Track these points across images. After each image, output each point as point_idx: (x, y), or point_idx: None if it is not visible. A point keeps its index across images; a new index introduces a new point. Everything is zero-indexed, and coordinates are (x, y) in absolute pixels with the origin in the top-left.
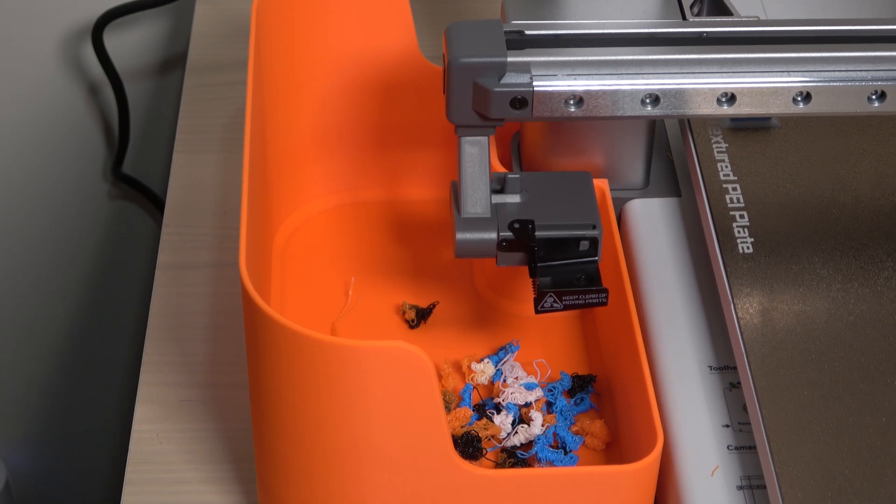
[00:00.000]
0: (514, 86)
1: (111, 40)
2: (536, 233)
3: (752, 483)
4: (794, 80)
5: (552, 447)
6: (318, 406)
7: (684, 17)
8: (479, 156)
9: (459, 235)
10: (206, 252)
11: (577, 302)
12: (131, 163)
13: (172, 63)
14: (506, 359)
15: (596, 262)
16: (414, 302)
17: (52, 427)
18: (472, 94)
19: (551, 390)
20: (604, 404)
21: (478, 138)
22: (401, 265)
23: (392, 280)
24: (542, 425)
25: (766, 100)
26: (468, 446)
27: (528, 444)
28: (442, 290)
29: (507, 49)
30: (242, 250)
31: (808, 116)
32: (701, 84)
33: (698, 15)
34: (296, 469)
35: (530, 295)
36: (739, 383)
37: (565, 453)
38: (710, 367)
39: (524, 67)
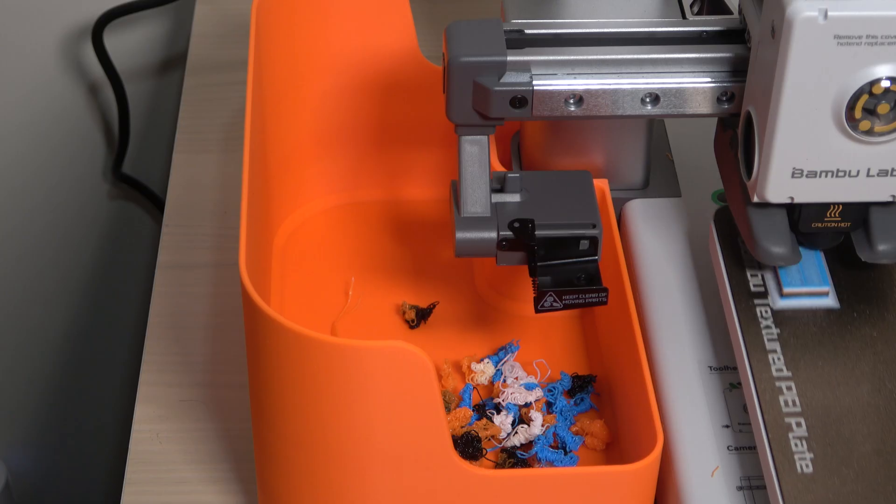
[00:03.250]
0: (513, 85)
1: (111, 40)
2: (536, 232)
3: (752, 483)
4: None
5: (552, 447)
6: (318, 406)
7: (684, 17)
8: (478, 155)
9: (459, 235)
10: (206, 252)
11: (577, 301)
12: (131, 163)
13: (172, 63)
14: (506, 359)
15: (596, 261)
16: (414, 302)
17: (52, 427)
18: (472, 93)
19: (551, 390)
20: (604, 404)
21: (478, 137)
22: (401, 265)
23: (392, 280)
24: (542, 425)
25: None
26: (468, 446)
27: (528, 445)
28: (442, 290)
29: (507, 48)
30: (242, 250)
31: None
32: (701, 83)
33: (698, 14)
34: (296, 469)
35: (530, 295)
36: (739, 383)
37: (565, 453)
38: (710, 367)
39: (524, 66)
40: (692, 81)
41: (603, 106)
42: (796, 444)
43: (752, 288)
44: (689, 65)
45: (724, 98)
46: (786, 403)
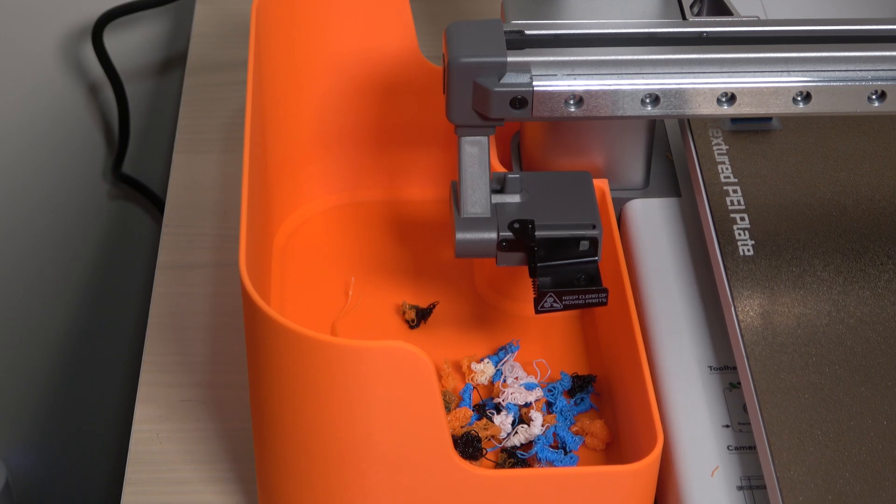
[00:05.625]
0: (513, 86)
1: (111, 40)
2: (536, 233)
3: (752, 483)
4: (794, 80)
5: (552, 447)
6: (318, 406)
7: (684, 17)
8: (478, 156)
9: (459, 235)
10: (206, 252)
11: (577, 302)
12: (131, 163)
13: (172, 63)
14: (506, 359)
15: (596, 261)
16: (414, 302)
17: (52, 427)
18: (472, 93)
19: (551, 390)
20: (604, 404)
21: (478, 138)
22: (401, 265)
23: (392, 280)
24: (542, 425)
25: (766, 100)
26: (468, 446)
27: (528, 444)
28: (442, 290)
29: (507, 49)
30: (242, 250)
31: (809, 116)
32: (701, 84)
33: (698, 15)
34: (296, 469)
35: (530, 295)
36: (739, 383)
37: (565, 453)
38: (710, 367)
39: (524, 67)
40: (692, 82)
41: (603, 107)
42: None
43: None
44: (689, 65)
45: (724, 99)
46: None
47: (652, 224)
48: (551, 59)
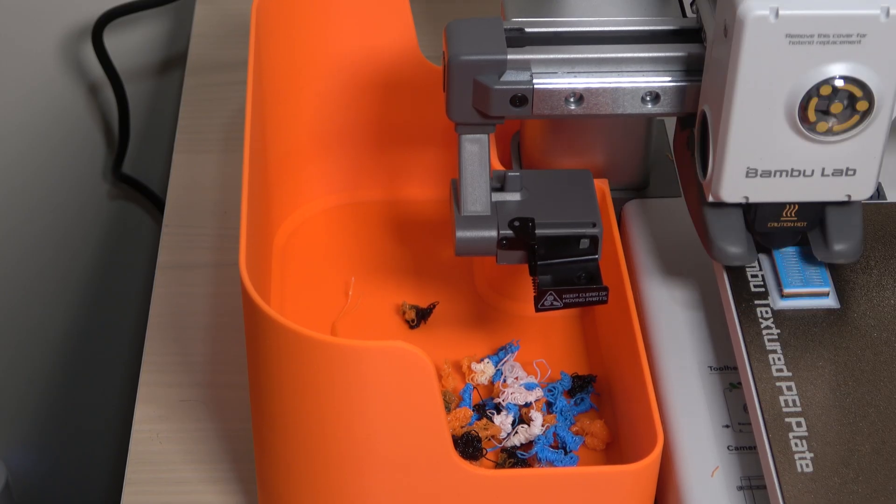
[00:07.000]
0: (514, 83)
1: (111, 40)
2: (536, 231)
3: (752, 483)
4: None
5: (552, 447)
6: (318, 406)
7: (684, 15)
8: (479, 154)
9: (460, 233)
10: (206, 252)
11: (577, 300)
12: (131, 163)
13: (172, 63)
14: (506, 359)
15: (596, 260)
16: (414, 302)
17: (52, 427)
18: (473, 91)
19: (551, 390)
20: (604, 404)
21: (478, 136)
22: (401, 265)
23: (392, 280)
24: (542, 425)
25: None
26: (468, 446)
27: (528, 444)
28: (442, 290)
29: (507, 46)
30: (242, 250)
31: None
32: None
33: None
34: (296, 469)
35: (530, 294)
36: (739, 383)
37: (565, 453)
38: (710, 367)
39: (524, 65)
40: (693, 80)
41: (603, 104)
42: (796, 444)
43: (753, 288)
44: (689, 63)
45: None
46: (786, 403)
47: (652, 224)
48: (551, 56)
